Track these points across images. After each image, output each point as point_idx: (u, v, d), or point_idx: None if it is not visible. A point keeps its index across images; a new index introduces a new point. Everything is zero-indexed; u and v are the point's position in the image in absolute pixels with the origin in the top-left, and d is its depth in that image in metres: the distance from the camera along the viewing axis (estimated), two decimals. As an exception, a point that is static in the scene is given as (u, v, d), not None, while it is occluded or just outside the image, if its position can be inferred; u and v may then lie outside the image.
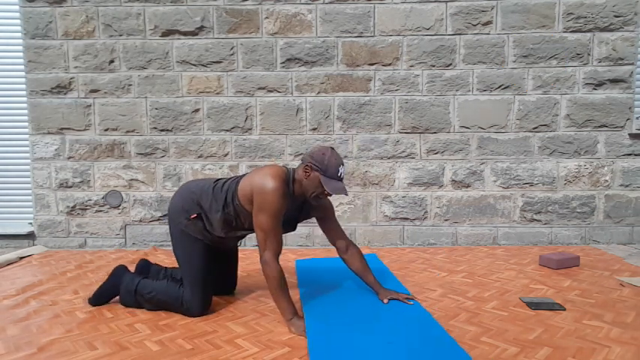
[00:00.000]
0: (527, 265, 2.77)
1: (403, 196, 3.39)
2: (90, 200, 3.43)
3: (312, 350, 1.57)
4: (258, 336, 1.77)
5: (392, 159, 3.37)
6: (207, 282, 2.01)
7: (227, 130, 3.37)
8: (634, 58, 3.26)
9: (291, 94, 3.34)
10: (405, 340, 1.65)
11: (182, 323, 1.91)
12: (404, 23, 3.28)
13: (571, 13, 3.23)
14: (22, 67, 3.36)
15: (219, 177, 2.19)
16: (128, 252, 3.28)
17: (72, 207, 3.43)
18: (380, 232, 3.42)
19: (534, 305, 2.04)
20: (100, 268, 2.82)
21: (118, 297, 2.11)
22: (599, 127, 3.32)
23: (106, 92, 3.36)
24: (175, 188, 3.36)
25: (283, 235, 1.90)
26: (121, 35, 3.31)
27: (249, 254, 3.07)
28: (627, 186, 3.35)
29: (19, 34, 3.35)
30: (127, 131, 3.38)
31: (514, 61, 3.29)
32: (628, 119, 3.30)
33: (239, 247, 2.39)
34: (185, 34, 3.30)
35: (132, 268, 2.26)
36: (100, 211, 3.44)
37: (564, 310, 1.98)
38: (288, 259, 2.96)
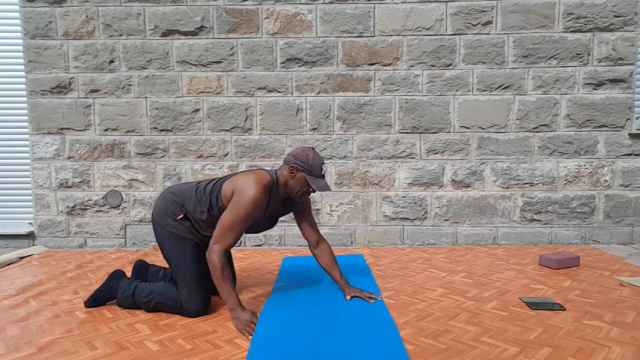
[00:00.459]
0: (527, 265, 2.77)
1: (403, 196, 3.39)
2: (90, 200, 3.43)
3: (252, 349, 1.61)
4: (258, 336, 1.77)
5: (392, 159, 3.37)
6: (204, 280, 2.00)
7: (227, 130, 3.37)
8: (634, 58, 3.26)
9: (291, 94, 3.34)
10: (350, 339, 1.66)
11: (182, 323, 1.91)
12: (404, 23, 3.28)
13: (571, 13, 3.24)
14: (22, 67, 3.37)
15: (201, 179, 2.20)
16: (128, 252, 3.28)
17: (72, 207, 3.43)
18: (380, 232, 3.42)
19: (534, 305, 2.04)
20: (100, 268, 2.82)
21: (114, 300, 2.11)
22: (599, 127, 3.32)
23: (106, 92, 3.36)
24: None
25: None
26: (121, 35, 3.31)
27: (249, 254, 3.06)
28: (627, 186, 3.35)
29: (19, 34, 3.36)
30: (127, 131, 3.38)
31: (514, 61, 3.29)
32: (628, 119, 3.30)
33: (237, 247, 2.39)
34: (185, 34, 3.30)
35: (131, 269, 2.26)
36: (100, 211, 3.44)
37: (564, 310, 1.99)
38: (288, 259, 2.97)
